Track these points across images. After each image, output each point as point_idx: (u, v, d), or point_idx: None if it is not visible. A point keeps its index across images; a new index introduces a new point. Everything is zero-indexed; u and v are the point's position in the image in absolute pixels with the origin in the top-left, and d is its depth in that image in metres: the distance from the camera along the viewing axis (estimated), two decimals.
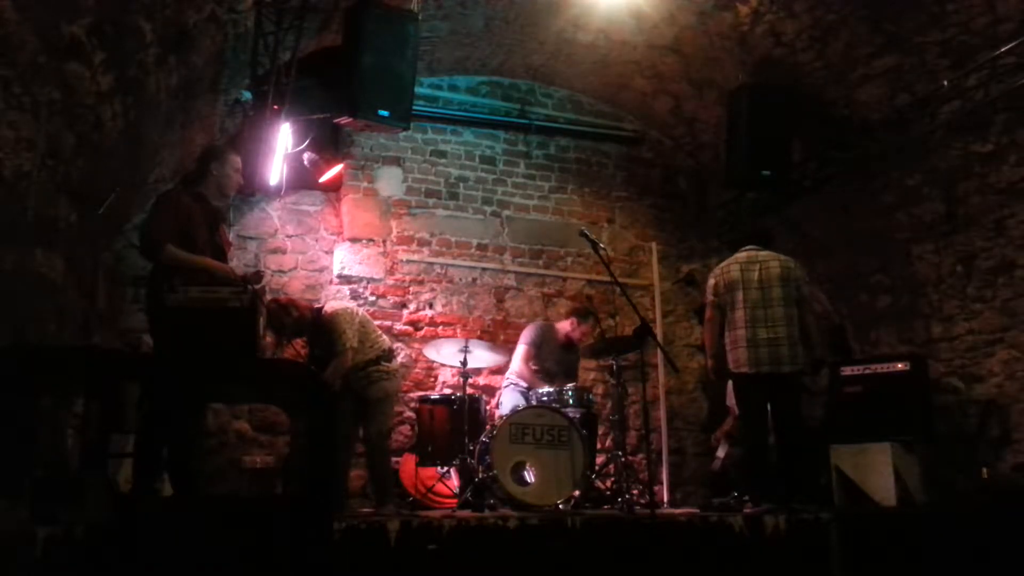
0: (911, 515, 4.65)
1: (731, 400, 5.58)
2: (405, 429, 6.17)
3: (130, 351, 5.19)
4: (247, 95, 5.34)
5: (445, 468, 5.35)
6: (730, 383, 5.36)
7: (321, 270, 6.35)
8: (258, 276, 4.23)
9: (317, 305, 5.26)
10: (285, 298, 5.26)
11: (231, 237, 5.62)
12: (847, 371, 5.62)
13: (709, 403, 7.05)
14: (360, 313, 5.27)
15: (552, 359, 5.78)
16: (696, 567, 3.82)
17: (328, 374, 4.81)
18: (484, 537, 3.55)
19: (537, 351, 5.77)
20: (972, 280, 5.59)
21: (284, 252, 6.26)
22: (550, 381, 5.59)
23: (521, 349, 5.80)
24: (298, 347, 5.48)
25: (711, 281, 5.01)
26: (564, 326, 5.93)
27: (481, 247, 6.85)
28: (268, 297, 5.21)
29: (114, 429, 3.82)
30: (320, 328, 5.02)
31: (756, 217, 6.92)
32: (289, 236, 6.30)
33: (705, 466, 6.96)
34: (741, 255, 4.99)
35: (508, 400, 5.69)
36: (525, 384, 5.64)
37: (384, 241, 6.54)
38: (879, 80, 5.50)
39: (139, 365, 3.72)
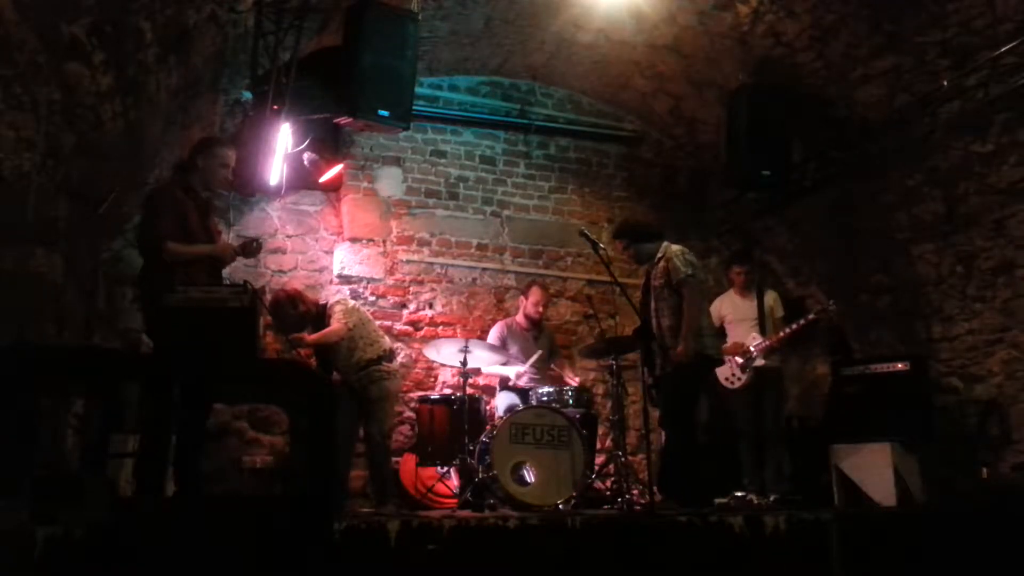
0: (911, 515, 4.65)
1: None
2: (405, 429, 6.17)
3: (130, 351, 5.19)
4: (247, 95, 5.35)
5: (445, 468, 5.36)
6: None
7: (321, 270, 6.35)
8: (257, 245, 4.23)
9: (323, 303, 5.30)
10: (293, 290, 5.25)
11: (231, 238, 5.63)
12: (847, 371, 5.62)
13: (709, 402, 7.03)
14: (362, 311, 5.30)
15: (517, 347, 5.86)
16: (696, 567, 3.81)
17: (314, 336, 4.96)
18: (484, 537, 3.54)
19: (503, 349, 5.82)
20: (972, 280, 5.58)
21: (284, 252, 6.26)
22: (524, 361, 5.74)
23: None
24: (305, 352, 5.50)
25: (692, 259, 4.90)
26: (520, 312, 6.04)
27: (481, 247, 6.85)
28: (268, 297, 5.22)
29: (114, 429, 3.82)
30: (322, 321, 5.06)
31: (756, 217, 6.92)
32: (289, 236, 6.30)
33: (705, 466, 6.94)
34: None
35: (502, 402, 5.76)
36: (521, 384, 5.66)
37: (384, 241, 6.54)
38: (879, 80, 5.50)
39: (139, 365, 3.72)
